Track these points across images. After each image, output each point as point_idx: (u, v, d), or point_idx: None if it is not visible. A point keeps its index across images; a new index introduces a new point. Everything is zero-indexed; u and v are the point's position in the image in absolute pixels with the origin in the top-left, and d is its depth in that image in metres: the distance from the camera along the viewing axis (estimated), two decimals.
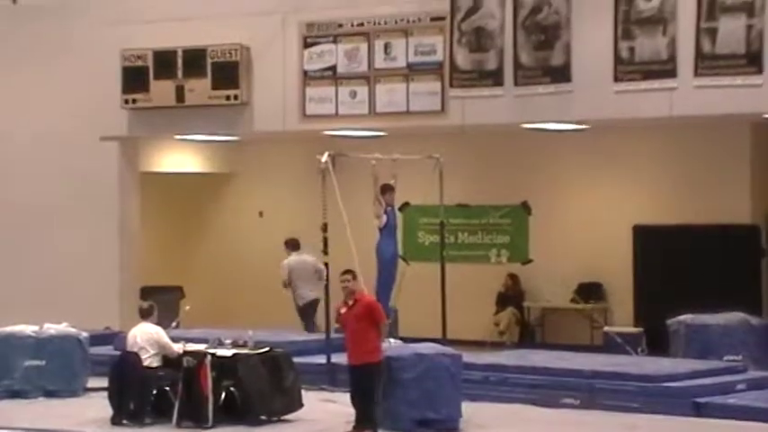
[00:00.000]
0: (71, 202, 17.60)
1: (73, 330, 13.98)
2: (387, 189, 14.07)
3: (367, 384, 11.25)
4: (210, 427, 11.83)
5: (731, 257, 16.15)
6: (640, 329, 15.58)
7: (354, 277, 11.38)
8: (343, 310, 11.39)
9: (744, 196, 16.43)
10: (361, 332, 11.21)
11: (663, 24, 13.93)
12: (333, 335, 13.70)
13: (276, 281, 18.57)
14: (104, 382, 12.50)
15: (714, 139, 16.31)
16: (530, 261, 17.64)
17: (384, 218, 13.96)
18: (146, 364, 12.10)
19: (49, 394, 13.60)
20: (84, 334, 14.03)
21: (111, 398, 12.22)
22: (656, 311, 15.11)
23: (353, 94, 16.01)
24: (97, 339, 14.63)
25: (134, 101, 17.14)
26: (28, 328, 13.80)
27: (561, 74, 14.47)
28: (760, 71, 13.37)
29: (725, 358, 13.75)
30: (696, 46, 13.70)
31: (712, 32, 13.62)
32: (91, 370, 13.84)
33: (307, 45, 16.28)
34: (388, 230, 14.04)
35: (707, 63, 13.68)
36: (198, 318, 17.07)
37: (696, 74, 13.75)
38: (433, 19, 15.43)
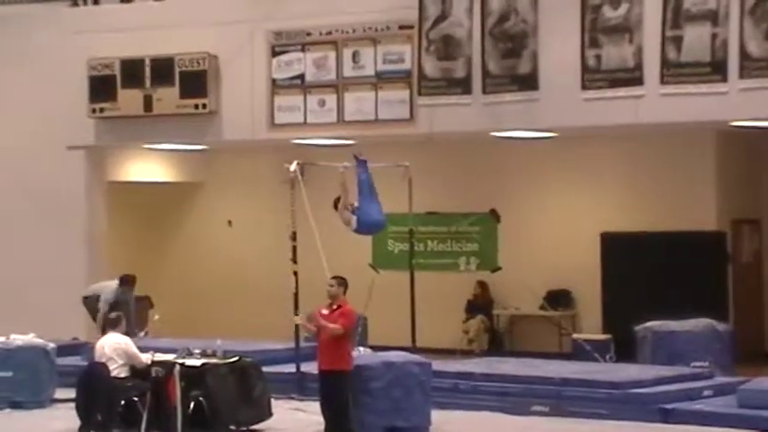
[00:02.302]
0: (38, 211, 17.49)
1: (40, 341, 13.88)
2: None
3: (336, 391, 11.25)
4: None
5: (698, 264, 16.26)
6: (608, 336, 15.65)
7: (341, 284, 11.39)
8: (324, 311, 11.39)
9: (709, 203, 16.56)
10: (334, 338, 11.23)
11: (629, 33, 14.02)
12: (302, 344, 13.71)
13: (244, 289, 18.52)
14: (72, 393, 12.41)
15: (680, 147, 16.44)
16: (499, 269, 17.69)
17: (354, 219, 13.68)
18: (114, 374, 12.03)
19: (16, 405, 13.49)
20: (52, 344, 13.93)
21: (78, 409, 12.13)
22: (624, 318, 15.18)
23: (322, 103, 16.02)
24: (64, 350, 14.53)
25: (101, 110, 17.07)
26: None
27: (528, 82, 14.53)
28: (725, 79, 13.49)
29: (692, 364, 13.83)
30: (662, 54, 13.80)
31: (678, 41, 13.72)
32: (58, 381, 13.75)
33: (275, 54, 16.27)
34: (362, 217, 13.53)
35: (672, 71, 13.78)
36: (167, 327, 17.01)
37: (662, 82, 13.85)
38: (401, 27, 15.46)
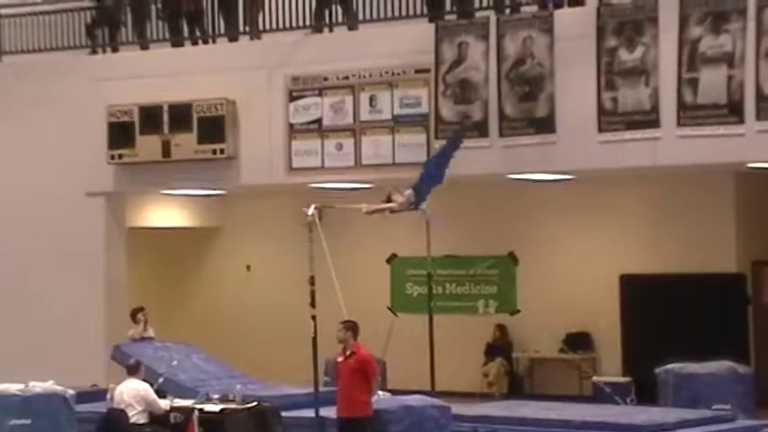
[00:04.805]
0: (57, 258, 17.55)
1: (59, 388, 13.85)
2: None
3: None
4: None
5: (718, 306, 16.18)
6: (629, 379, 15.57)
7: (349, 329, 11.38)
8: (339, 359, 11.39)
9: (729, 245, 16.50)
10: (353, 385, 11.21)
11: (645, 75, 14.04)
12: (321, 388, 13.66)
13: (263, 334, 18.50)
14: None
15: (698, 189, 16.41)
16: (518, 311, 17.63)
17: (409, 193, 13.08)
18: (132, 421, 12.03)
19: None
20: (71, 391, 13.91)
21: None
22: (645, 361, 15.09)
23: (339, 147, 16.08)
24: (84, 397, 14.51)
25: (120, 156, 17.17)
26: (13, 387, 13.67)
27: (545, 125, 14.56)
28: (741, 121, 13.48)
29: (713, 407, 13.72)
30: (678, 96, 13.82)
31: (694, 83, 13.74)
32: (77, 428, 13.72)
33: (292, 98, 16.35)
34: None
35: (689, 113, 13.79)
36: None
37: (679, 124, 13.85)
38: (417, 71, 15.53)
